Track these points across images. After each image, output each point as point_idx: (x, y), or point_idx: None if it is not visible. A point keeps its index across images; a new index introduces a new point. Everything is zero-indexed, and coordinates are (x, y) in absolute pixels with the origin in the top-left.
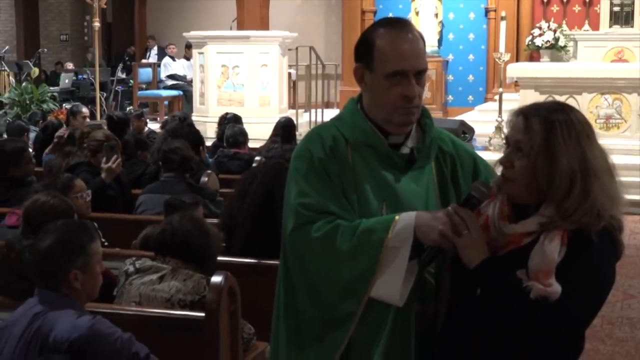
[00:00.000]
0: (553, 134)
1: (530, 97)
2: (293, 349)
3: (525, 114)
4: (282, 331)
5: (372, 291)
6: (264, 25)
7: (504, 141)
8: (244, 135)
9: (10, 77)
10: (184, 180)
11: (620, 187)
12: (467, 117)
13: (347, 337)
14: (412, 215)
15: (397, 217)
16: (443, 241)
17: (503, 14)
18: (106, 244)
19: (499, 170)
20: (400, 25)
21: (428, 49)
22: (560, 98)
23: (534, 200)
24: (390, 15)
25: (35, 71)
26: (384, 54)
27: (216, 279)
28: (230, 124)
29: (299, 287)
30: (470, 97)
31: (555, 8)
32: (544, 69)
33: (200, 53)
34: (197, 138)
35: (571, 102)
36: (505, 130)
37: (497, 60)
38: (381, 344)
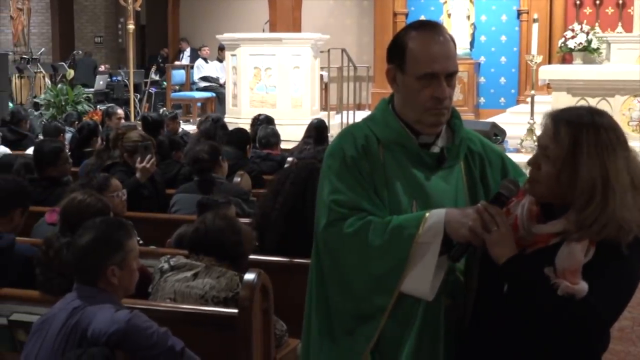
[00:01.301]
0: (578, 146)
1: (563, 99)
2: (325, 343)
3: (555, 120)
4: (314, 325)
5: (402, 286)
6: (296, 27)
7: (537, 142)
8: (276, 137)
9: (46, 79)
10: (214, 182)
11: None
12: (499, 120)
13: (378, 330)
14: (442, 212)
15: (427, 214)
16: (472, 237)
17: (535, 16)
18: (141, 242)
19: (528, 171)
20: (431, 28)
21: (460, 51)
22: (593, 100)
23: (557, 202)
24: (422, 17)
25: (70, 73)
26: (415, 56)
27: (249, 276)
28: (263, 125)
29: (330, 282)
30: (502, 100)
31: (588, 10)
32: (576, 71)
33: (232, 55)
34: (244, 137)
35: (603, 104)
36: (537, 131)
37: (529, 62)
38: (411, 338)
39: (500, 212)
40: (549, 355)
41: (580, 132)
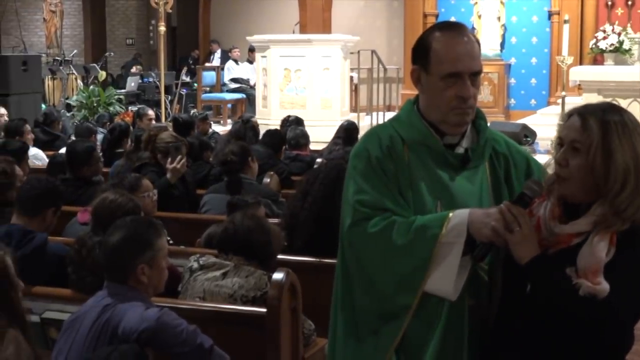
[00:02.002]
0: (610, 132)
1: (593, 100)
2: (350, 341)
3: (581, 114)
4: (340, 324)
5: (426, 285)
6: (326, 28)
7: (557, 141)
8: (305, 138)
9: (78, 80)
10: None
11: None
12: (530, 121)
13: (402, 330)
14: (465, 212)
15: (451, 214)
16: (495, 237)
17: (566, 17)
18: (171, 242)
19: (551, 170)
20: (455, 29)
21: (490, 53)
22: (624, 102)
23: (586, 199)
24: (453, 18)
25: (103, 74)
26: (439, 56)
27: (278, 275)
28: (292, 126)
29: (355, 281)
30: (533, 101)
31: (619, 11)
32: (607, 72)
33: (263, 56)
34: (278, 139)
35: (634, 105)
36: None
37: (559, 63)
38: (435, 337)
39: (523, 213)
40: (572, 356)
41: (607, 120)
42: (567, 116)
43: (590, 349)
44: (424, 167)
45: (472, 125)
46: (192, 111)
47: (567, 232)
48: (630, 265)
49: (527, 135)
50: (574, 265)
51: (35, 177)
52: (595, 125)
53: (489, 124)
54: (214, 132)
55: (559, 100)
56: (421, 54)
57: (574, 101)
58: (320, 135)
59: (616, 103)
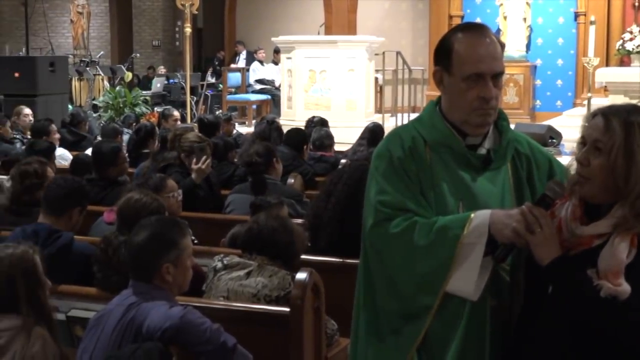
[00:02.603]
0: (632, 133)
1: (619, 102)
2: (372, 341)
3: (605, 114)
4: (362, 324)
5: (447, 286)
6: (351, 30)
7: (580, 140)
8: (330, 138)
9: (105, 81)
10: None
11: None
12: (555, 123)
13: (424, 330)
14: (487, 213)
15: (472, 215)
16: (516, 238)
17: (592, 18)
18: (196, 241)
19: (574, 171)
20: (477, 30)
21: (516, 54)
22: None
23: (607, 200)
24: (478, 19)
25: (129, 75)
26: (461, 57)
27: (301, 275)
28: (317, 127)
29: (377, 281)
30: (559, 102)
31: None
32: (633, 73)
33: (288, 58)
34: (300, 138)
35: None
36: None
37: (586, 65)
38: (457, 337)
39: (544, 214)
40: (593, 356)
41: (631, 121)
42: (592, 116)
43: (611, 350)
44: (445, 167)
45: (494, 126)
46: (217, 112)
47: (588, 234)
48: None
49: (552, 136)
50: (595, 267)
51: (61, 176)
52: (618, 126)
53: (513, 126)
54: (238, 133)
55: (585, 102)
56: (443, 55)
57: (600, 103)
58: (345, 136)
59: None
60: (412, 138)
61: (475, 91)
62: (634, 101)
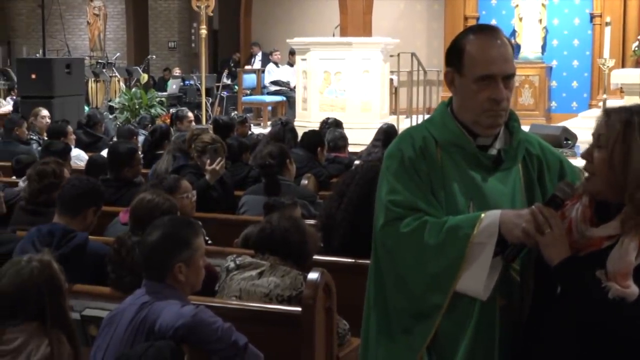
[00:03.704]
0: (630, 128)
1: (635, 103)
2: (382, 340)
3: (606, 112)
4: (373, 323)
5: (457, 285)
6: (366, 31)
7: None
8: (344, 140)
9: (121, 83)
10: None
11: None
12: (571, 124)
13: (434, 328)
14: (497, 213)
15: (482, 215)
16: (526, 238)
17: (608, 19)
18: (210, 242)
19: (583, 166)
20: (489, 32)
21: (531, 55)
22: None
23: (613, 197)
24: (494, 21)
25: (145, 77)
26: (473, 59)
27: (313, 275)
28: (331, 128)
29: (388, 280)
30: (574, 104)
31: None
32: None
33: (303, 59)
34: (315, 140)
35: None
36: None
37: (601, 66)
38: (466, 336)
39: (554, 214)
40: (602, 357)
41: (631, 117)
42: (600, 114)
43: (619, 351)
44: (456, 168)
45: (505, 127)
46: (232, 114)
47: (597, 235)
48: None
49: (567, 138)
50: (604, 268)
51: (76, 177)
52: (617, 122)
53: (528, 127)
54: (253, 134)
55: (600, 104)
56: (455, 56)
57: (615, 104)
58: (360, 137)
59: None
60: (423, 138)
61: (487, 92)
62: None
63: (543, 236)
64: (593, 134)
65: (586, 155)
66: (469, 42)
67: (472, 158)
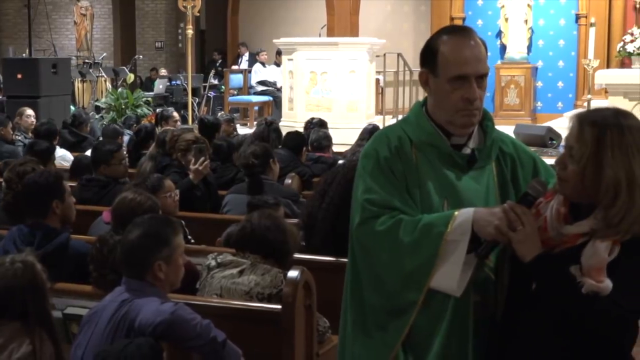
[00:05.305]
0: (602, 145)
1: (619, 103)
2: (358, 336)
3: (580, 121)
4: (349, 320)
5: (431, 282)
6: (353, 32)
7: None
8: (328, 140)
9: (107, 83)
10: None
11: None
12: (556, 124)
13: (409, 324)
14: (470, 211)
15: (456, 213)
16: (499, 235)
17: (592, 20)
18: (192, 241)
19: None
20: (462, 32)
21: (517, 56)
22: None
23: (585, 200)
24: (480, 22)
25: (131, 77)
26: (447, 59)
27: (292, 273)
28: (315, 128)
29: (364, 277)
30: (560, 104)
31: None
32: (633, 75)
33: (289, 59)
34: (299, 141)
35: None
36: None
37: (586, 66)
38: (441, 332)
39: (526, 212)
40: (577, 352)
41: (604, 133)
42: (571, 120)
43: (594, 346)
44: (431, 167)
45: (479, 126)
46: (219, 113)
47: (572, 233)
48: (634, 262)
49: (552, 138)
50: (579, 264)
51: (34, 175)
52: (589, 136)
53: (514, 127)
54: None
55: (585, 104)
56: (429, 57)
57: (599, 104)
58: (346, 137)
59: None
60: (399, 138)
61: (460, 92)
62: (633, 103)
63: (515, 233)
64: (565, 144)
65: (560, 162)
66: (443, 43)
67: (447, 157)
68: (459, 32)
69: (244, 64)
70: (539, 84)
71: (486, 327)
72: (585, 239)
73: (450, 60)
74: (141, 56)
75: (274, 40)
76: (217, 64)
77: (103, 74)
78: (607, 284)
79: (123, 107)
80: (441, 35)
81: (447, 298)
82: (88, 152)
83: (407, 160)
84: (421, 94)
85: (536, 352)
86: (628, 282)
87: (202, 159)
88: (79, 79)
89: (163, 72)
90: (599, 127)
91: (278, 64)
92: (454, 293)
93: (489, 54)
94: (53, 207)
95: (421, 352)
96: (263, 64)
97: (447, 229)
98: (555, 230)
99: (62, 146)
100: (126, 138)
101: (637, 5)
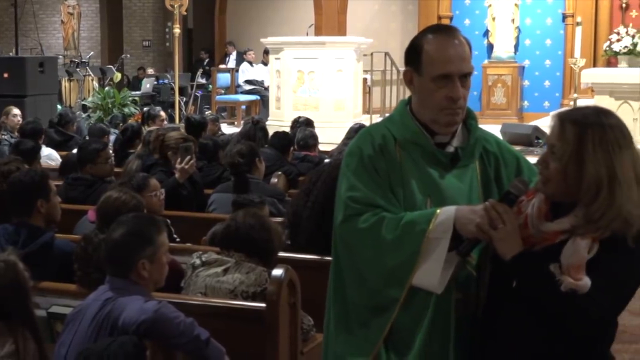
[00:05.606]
0: (583, 143)
1: (605, 102)
2: (341, 334)
3: (561, 119)
4: (332, 317)
5: (413, 279)
6: (341, 31)
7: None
8: (314, 139)
9: (94, 82)
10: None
11: None
12: (543, 123)
13: (391, 321)
14: (452, 209)
15: (438, 211)
16: (480, 233)
17: (579, 19)
18: (178, 240)
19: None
20: (446, 31)
21: (504, 55)
22: (636, 104)
23: (567, 199)
24: (467, 21)
25: (118, 76)
26: (431, 58)
27: (277, 272)
28: (302, 127)
29: (347, 274)
30: (547, 103)
31: (634, 13)
32: (619, 74)
33: (276, 58)
34: (286, 140)
35: None
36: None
37: (572, 66)
38: (422, 329)
39: (507, 210)
40: (557, 349)
41: (585, 131)
42: (553, 119)
43: (574, 343)
44: (415, 165)
45: (463, 124)
46: (206, 112)
47: (552, 230)
48: (612, 260)
49: (538, 137)
50: (559, 261)
51: (18, 175)
52: (571, 134)
53: (500, 126)
54: (223, 133)
55: (572, 103)
56: (413, 56)
57: (586, 103)
58: (333, 136)
59: (628, 106)
60: (383, 136)
61: (444, 91)
62: (619, 102)
63: (496, 231)
64: (547, 143)
65: (542, 162)
66: (427, 42)
67: (430, 156)
68: (444, 31)
69: (231, 63)
70: (526, 83)
71: (468, 325)
72: (565, 236)
73: (435, 59)
74: (128, 55)
75: (262, 40)
76: (205, 63)
77: (90, 73)
78: (586, 281)
79: (110, 106)
80: (426, 34)
81: (429, 295)
82: (75, 151)
83: (390, 159)
84: (408, 94)
85: (516, 344)
86: (607, 280)
87: (188, 157)
88: (66, 78)
89: (150, 71)
90: (580, 125)
91: (265, 63)
92: (435, 290)
93: (476, 53)
94: (38, 206)
95: (403, 349)
96: (250, 63)
97: (429, 226)
98: (536, 228)
99: (48, 145)
100: (112, 137)
101: (624, 5)
